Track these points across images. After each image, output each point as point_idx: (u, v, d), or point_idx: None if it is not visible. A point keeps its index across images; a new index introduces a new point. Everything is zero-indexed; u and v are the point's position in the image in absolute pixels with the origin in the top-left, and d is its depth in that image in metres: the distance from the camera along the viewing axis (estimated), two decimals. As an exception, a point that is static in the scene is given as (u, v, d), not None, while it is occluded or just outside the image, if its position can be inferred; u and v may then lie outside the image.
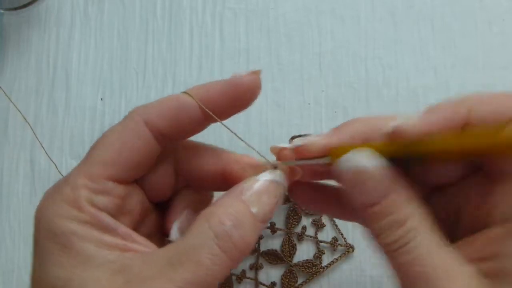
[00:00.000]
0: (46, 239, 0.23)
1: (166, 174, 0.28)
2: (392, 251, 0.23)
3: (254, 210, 0.24)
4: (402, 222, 0.23)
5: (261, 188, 0.25)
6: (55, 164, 0.44)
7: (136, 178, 0.27)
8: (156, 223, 0.29)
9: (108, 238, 0.24)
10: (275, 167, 0.27)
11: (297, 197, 0.29)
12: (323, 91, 0.45)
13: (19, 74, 0.46)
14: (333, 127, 0.27)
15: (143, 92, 0.45)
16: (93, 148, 0.26)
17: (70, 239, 0.23)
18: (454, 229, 0.26)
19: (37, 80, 0.46)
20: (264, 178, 0.26)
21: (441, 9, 0.46)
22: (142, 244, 0.25)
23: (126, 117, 0.26)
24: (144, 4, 0.47)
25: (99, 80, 0.46)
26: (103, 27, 0.47)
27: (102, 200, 0.24)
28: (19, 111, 0.45)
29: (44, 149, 0.44)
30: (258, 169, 0.27)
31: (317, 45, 0.46)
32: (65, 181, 0.25)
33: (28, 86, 0.46)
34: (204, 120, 0.26)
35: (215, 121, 0.27)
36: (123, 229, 0.24)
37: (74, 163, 0.44)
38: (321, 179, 0.29)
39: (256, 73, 0.27)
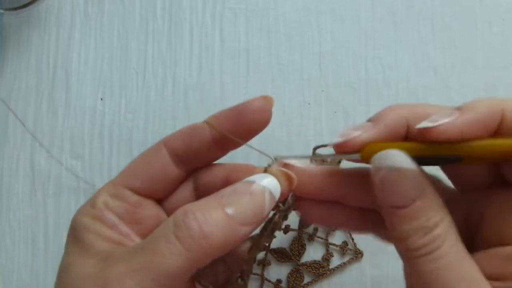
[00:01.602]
0: (69, 233, 0.27)
1: (186, 198, 0.29)
2: (416, 257, 0.22)
3: (229, 210, 0.24)
4: (431, 228, 0.22)
5: (245, 190, 0.25)
6: (60, 166, 0.44)
7: (155, 194, 0.29)
8: None
9: (109, 232, 0.26)
10: (265, 171, 0.26)
11: (304, 213, 0.29)
12: (323, 91, 0.45)
13: (19, 74, 0.46)
14: (371, 115, 0.26)
15: (143, 92, 0.45)
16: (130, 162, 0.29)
17: (81, 231, 0.26)
18: (468, 239, 0.25)
19: (37, 80, 0.46)
20: (252, 181, 0.25)
21: (441, 9, 0.46)
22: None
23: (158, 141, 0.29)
24: (144, 4, 0.47)
25: (99, 80, 0.46)
26: (103, 27, 0.47)
27: (114, 203, 0.27)
28: (18, 119, 0.45)
29: (46, 151, 0.44)
30: (252, 174, 0.27)
31: (317, 45, 0.46)
32: (100, 188, 0.28)
33: (28, 86, 0.46)
34: (214, 144, 0.27)
35: (230, 148, 0.28)
36: (125, 228, 0.27)
37: (74, 163, 0.44)
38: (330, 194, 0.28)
39: (266, 98, 0.27)
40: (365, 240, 0.42)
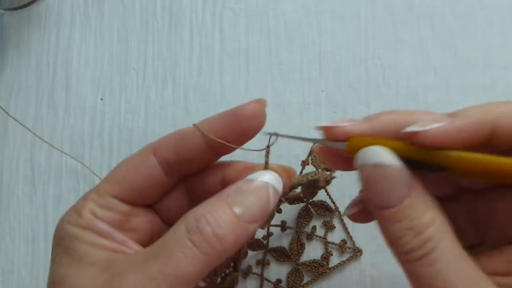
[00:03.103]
0: (56, 243, 0.26)
1: (178, 200, 0.29)
2: (410, 261, 0.22)
3: (237, 210, 0.24)
4: (422, 229, 0.22)
5: (249, 188, 0.25)
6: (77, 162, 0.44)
7: (144, 202, 0.28)
8: None
9: (103, 241, 0.26)
10: (265, 167, 0.27)
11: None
12: (323, 91, 0.45)
13: (19, 74, 0.46)
14: (368, 116, 0.26)
15: (143, 92, 0.45)
16: (111, 171, 0.28)
17: (71, 241, 0.25)
18: (469, 237, 0.25)
19: (37, 80, 0.46)
20: (254, 178, 0.25)
21: (441, 9, 0.46)
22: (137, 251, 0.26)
23: (142, 147, 0.28)
24: (144, 4, 0.47)
25: (99, 80, 0.46)
26: (103, 27, 0.47)
27: (103, 212, 0.27)
28: (18, 122, 0.45)
29: (48, 144, 0.44)
30: (253, 171, 0.27)
31: (317, 45, 0.46)
32: (82, 196, 0.28)
33: (28, 86, 0.46)
34: (208, 150, 0.27)
35: (224, 152, 0.28)
36: (119, 236, 0.27)
37: (74, 163, 0.44)
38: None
39: (260, 101, 0.27)
40: (364, 238, 0.42)
